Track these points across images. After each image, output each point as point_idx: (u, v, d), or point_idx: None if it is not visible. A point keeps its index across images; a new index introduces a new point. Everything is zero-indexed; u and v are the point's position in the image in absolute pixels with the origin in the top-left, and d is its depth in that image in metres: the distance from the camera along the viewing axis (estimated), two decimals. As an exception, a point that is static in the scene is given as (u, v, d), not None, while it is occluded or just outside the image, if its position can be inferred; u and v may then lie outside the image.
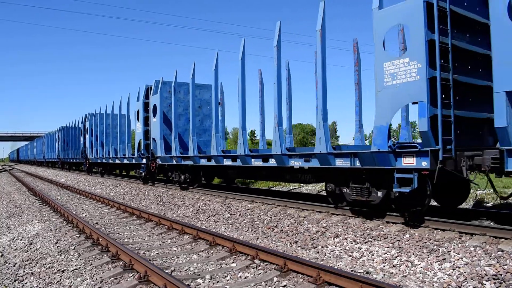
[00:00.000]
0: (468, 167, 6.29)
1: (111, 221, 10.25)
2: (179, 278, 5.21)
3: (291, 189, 14.74)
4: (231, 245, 6.56)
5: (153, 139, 15.64)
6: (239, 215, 9.36)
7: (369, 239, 6.43)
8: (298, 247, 6.82)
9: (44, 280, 5.89)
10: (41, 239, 8.48)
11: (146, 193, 14.87)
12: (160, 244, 7.51)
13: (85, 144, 26.75)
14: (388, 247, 6.00)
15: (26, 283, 5.97)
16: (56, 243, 7.90)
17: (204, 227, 8.68)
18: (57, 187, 21.23)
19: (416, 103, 6.33)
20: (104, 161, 23.18)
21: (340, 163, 7.74)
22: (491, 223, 6.80)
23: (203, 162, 12.59)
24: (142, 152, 16.77)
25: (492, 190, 7.36)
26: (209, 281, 5.29)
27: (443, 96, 6.27)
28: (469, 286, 4.60)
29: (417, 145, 6.41)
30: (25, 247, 8.22)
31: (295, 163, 8.88)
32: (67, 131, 34.51)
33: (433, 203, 8.29)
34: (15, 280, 6.17)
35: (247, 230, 8.27)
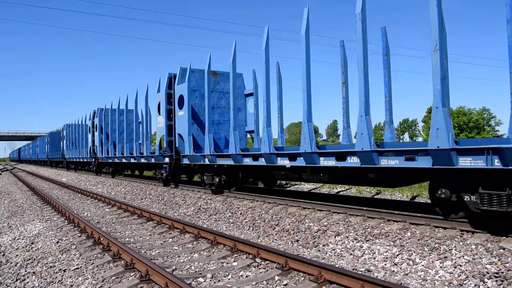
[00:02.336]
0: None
1: (112, 220, 10.26)
2: (180, 277, 5.21)
3: (292, 188, 14.74)
4: (232, 244, 6.56)
5: (96, 145, 23.73)
6: (240, 214, 9.36)
7: (370, 238, 6.43)
8: (299, 245, 6.82)
9: (46, 279, 5.90)
10: (43, 239, 8.49)
11: (147, 192, 14.88)
12: (161, 243, 7.52)
13: (63, 147, 34.59)
14: (389, 245, 5.99)
15: (27, 282, 5.98)
16: (58, 242, 7.91)
17: (205, 226, 8.69)
18: (59, 187, 21.26)
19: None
20: (75, 160, 30.53)
21: (153, 160, 16.05)
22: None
23: (117, 160, 20.74)
24: (92, 153, 24.80)
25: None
26: (211, 280, 5.29)
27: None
28: (470, 284, 4.59)
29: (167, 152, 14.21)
30: (26, 246, 8.23)
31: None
32: (53, 136, 41.05)
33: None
34: (16, 280, 6.18)
35: (248, 229, 8.27)
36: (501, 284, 4.48)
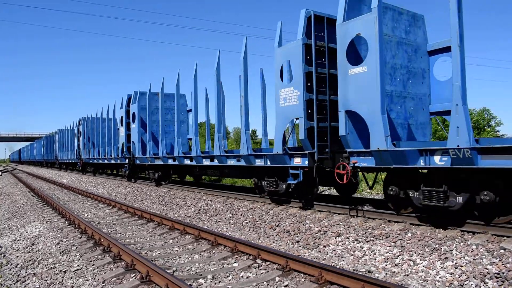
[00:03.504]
0: None
1: (112, 221, 10.25)
2: (181, 278, 5.21)
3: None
4: (233, 245, 6.55)
5: (80, 149, 28.70)
6: (241, 214, 9.36)
7: (371, 238, 6.42)
8: (300, 246, 6.82)
9: (46, 280, 5.90)
10: (43, 240, 8.49)
11: (148, 193, 14.88)
12: (162, 244, 7.51)
13: (56, 150, 39.64)
14: (390, 246, 5.99)
15: (28, 283, 5.98)
16: (58, 243, 7.91)
17: (205, 227, 8.68)
18: (59, 188, 21.26)
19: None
20: (65, 161, 35.63)
21: (118, 161, 20.55)
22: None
23: (98, 161, 24.72)
24: (77, 155, 29.50)
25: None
26: (211, 281, 5.28)
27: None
28: (471, 284, 4.59)
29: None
30: (27, 247, 8.23)
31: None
32: (48, 139, 46.73)
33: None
34: (17, 281, 6.18)
35: (249, 230, 8.26)
36: (502, 284, 4.48)
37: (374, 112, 6.77)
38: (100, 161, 24.13)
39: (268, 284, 5.06)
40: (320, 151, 8.30)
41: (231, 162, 10.86)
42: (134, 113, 17.61)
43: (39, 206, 14.04)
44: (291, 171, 8.69)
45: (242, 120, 10.17)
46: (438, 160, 6.08)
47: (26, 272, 6.53)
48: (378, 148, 6.72)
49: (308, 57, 8.32)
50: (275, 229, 7.88)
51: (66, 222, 10.17)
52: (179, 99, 14.43)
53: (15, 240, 9.25)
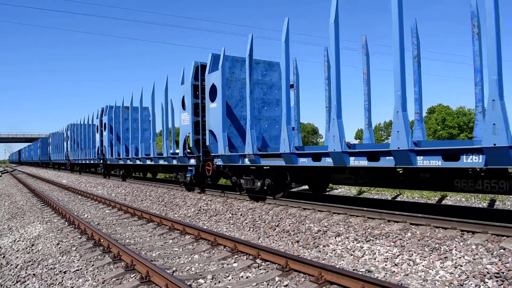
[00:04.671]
0: None
1: (112, 222, 10.25)
2: (180, 278, 5.21)
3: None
4: (233, 245, 6.55)
5: (69, 151, 32.66)
6: (241, 215, 9.36)
7: (371, 238, 6.42)
8: (300, 246, 6.82)
9: (46, 281, 5.90)
10: (43, 240, 8.49)
11: (148, 193, 14.88)
12: (162, 245, 7.51)
13: (50, 151, 44.27)
14: (389, 246, 5.99)
15: (28, 284, 5.98)
16: (58, 244, 7.91)
17: (205, 227, 8.68)
18: (59, 188, 21.25)
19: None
20: (57, 161, 40.39)
21: (96, 161, 24.96)
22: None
23: (82, 161, 28.86)
24: (66, 157, 33.76)
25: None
26: (211, 281, 5.28)
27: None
28: (471, 284, 4.59)
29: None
30: (26, 248, 8.23)
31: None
32: (43, 141, 51.33)
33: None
34: (17, 282, 6.18)
35: (249, 230, 8.26)
36: (502, 284, 4.48)
37: (219, 131, 10.71)
38: (84, 162, 28.45)
39: (268, 284, 5.06)
40: (206, 155, 12.06)
41: (161, 161, 15.03)
42: (105, 123, 22.27)
43: (39, 207, 14.04)
44: (189, 168, 12.88)
45: (163, 132, 14.66)
46: (247, 161, 9.94)
47: (26, 272, 6.53)
48: (222, 153, 10.67)
49: (196, 93, 12.35)
50: (275, 229, 7.89)
51: (66, 222, 10.17)
52: (133, 113, 18.96)
53: (15, 240, 9.25)
